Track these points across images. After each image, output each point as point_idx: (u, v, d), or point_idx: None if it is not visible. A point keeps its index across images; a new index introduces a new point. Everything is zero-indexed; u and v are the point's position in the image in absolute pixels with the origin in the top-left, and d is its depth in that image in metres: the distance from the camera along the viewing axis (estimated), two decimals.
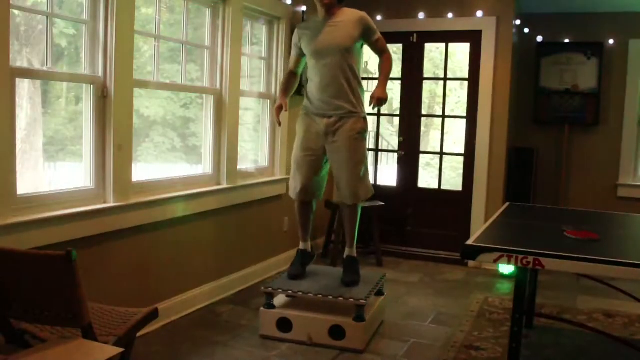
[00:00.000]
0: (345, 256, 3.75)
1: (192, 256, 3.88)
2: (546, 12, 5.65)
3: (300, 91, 4.15)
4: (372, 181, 6.01)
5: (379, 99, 3.50)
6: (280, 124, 3.72)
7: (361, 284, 3.61)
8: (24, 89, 3.16)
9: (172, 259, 3.69)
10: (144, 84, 3.58)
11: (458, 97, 8.24)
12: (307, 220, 3.77)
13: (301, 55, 3.72)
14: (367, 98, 3.63)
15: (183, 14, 3.87)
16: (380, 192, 5.81)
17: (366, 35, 3.58)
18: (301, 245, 3.81)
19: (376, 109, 3.84)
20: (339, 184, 3.63)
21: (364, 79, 3.96)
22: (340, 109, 3.55)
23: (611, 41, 5.55)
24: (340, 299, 3.39)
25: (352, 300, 3.36)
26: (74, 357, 1.94)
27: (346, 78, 3.54)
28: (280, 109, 3.60)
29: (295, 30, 3.75)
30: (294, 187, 3.70)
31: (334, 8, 3.60)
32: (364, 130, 3.64)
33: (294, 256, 3.90)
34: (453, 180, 7.78)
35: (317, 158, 3.62)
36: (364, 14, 3.62)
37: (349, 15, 3.59)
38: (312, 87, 3.62)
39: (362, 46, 3.66)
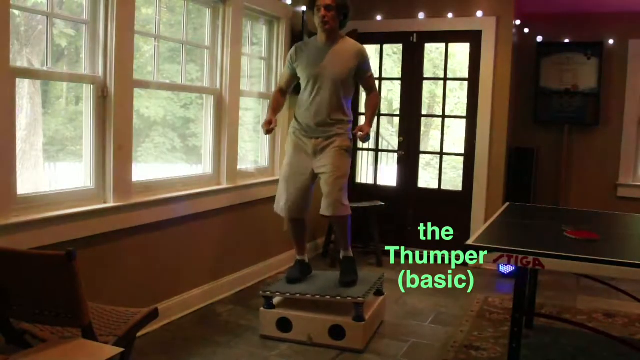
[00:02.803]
0: (341, 257, 3.75)
1: (192, 256, 3.88)
2: (546, 12, 5.64)
3: (299, 90, 4.16)
4: (372, 181, 6.06)
5: (366, 135, 3.53)
6: (267, 133, 3.62)
7: (359, 283, 3.61)
8: (24, 89, 3.17)
9: (172, 258, 3.69)
10: (144, 84, 3.58)
11: (458, 97, 8.24)
12: (300, 236, 3.78)
13: (293, 75, 3.70)
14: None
15: (183, 14, 3.87)
16: (380, 192, 5.82)
17: (361, 69, 3.60)
18: (298, 257, 3.82)
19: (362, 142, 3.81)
20: (324, 195, 3.59)
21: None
22: (327, 132, 3.57)
23: (611, 41, 5.55)
24: (338, 298, 3.39)
25: (349, 299, 3.36)
26: (74, 357, 1.94)
27: (338, 106, 3.55)
28: (269, 123, 3.55)
29: (293, 49, 3.70)
30: (278, 202, 3.70)
31: (335, 34, 3.58)
32: (349, 148, 3.64)
33: (293, 256, 3.90)
34: (453, 180, 7.78)
35: (304, 177, 3.61)
36: (362, 47, 3.63)
37: (348, 46, 3.59)
38: (303, 109, 3.61)
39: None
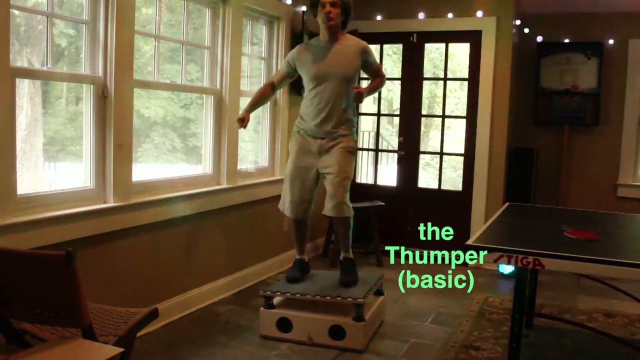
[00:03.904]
0: (341, 258, 3.75)
1: (192, 256, 3.88)
2: (546, 12, 5.65)
3: (300, 91, 4.15)
4: (372, 181, 6.06)
5: (359, 93, 3.49)
6: (242, 127, 3.59)
7: (359, 284, 3.61)
8: (24, 89, 3.17)
9: (172, 259, 3.69)
10: (144, 84, 3.58)
11: (458, 98, 8.25)
12: (300, 235, 3.79)
13: (289, 74, 3.70)
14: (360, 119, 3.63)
15: (183, 14, 3.87)
16: (380, 192, 5.82)
17: (367, 63, 3.65)
18: (297, 256, 3.82)
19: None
20: (327, 195, 3.60)
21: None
22: (333, 133, 3.57)
23: (611, 41, 5.55)
24: (338, 298, 3.39)
25: (350, 299, 3.36)
26: (74, 357, 1.94)
27: (342, 104, 3.55)
28: (242, 121, 3.54)
29: (296, 49, 3.70)
30: (283, 202, 3.70)
31: (338, 32, 3.59)
32: (354, 150, 3.65)
33: (293, 256, 3.90)
34: (453, 180, 7.79)
35: (309, 176, 3.62)
36: (365, 43, 3.64)
37: (351, 43, 3.60)
38: (307, 109, 3.60)
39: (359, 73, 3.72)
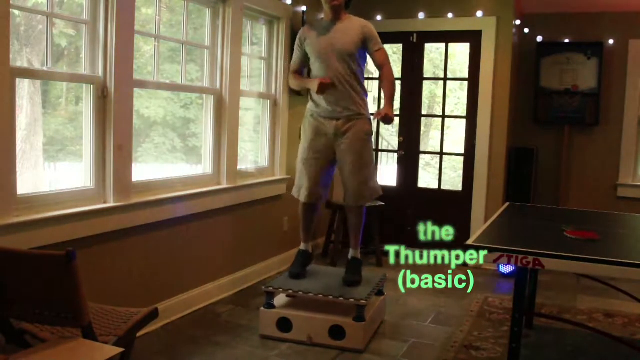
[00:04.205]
0: (349, 257, 3.75)
1: (192, 256, 3.88)
2: (546, 12, 5.65)
3: (300, 92, 4.16)
4: None
5: (386, 116, 3.48)
6: (328, 88, 3.50)
7: (362, 284, 3.61)
8: (24, 89, 3.17)
9: (172, 259, 3.69)
10: (144, 84, 3.58)
11: (458, 98, 8.25)
12: (310, 222, 3.78)
13: (304, 57, 3.72)
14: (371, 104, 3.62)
15: (183, 14, 3.87)
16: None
17: (367, 42, 3.60)
18: (302, 246, 3.82)
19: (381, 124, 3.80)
20: (345, 185, 3.64)
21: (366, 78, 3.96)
22: (347, 110, 3.57)
23: (611, 41, 5.55)
24: (341, 299, 3.39)
25: (352, 300, 3.36)
26: (74, 357, 1.94)
27: (349, 81, 3.56)
28: (325, 80, 3.48)
29: (301, 30, 3.76)
30: (299, 188, 3.70)
31: (341, 12, 3.61)
32: (370, 132, 3.66)
33: (293, 256, 3.90)
34: (453, 180, 7.79)
35: (325, 160, 3.64)
36: (367, 22, 3.65)
37: (354, 22, 3.62)
38: None
39: (365, 53, 3.67)
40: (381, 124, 6.03)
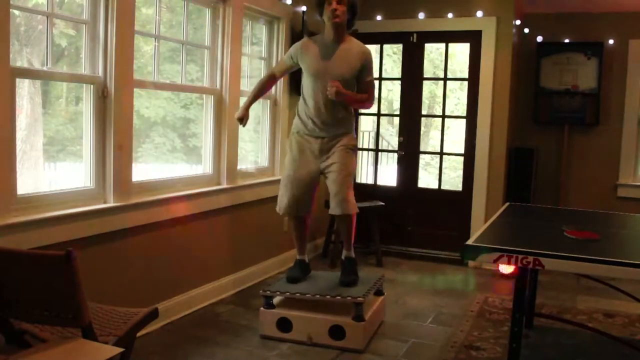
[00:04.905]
0: (343, 257, 3.75)
1: (192, 256, 3.88)
2: (546, 12, 5.65)
3: (300, 91, 4.15)
4: (372, 181, 6.06)
5: (338, 90, 3.40)
6: (242, 125, 3.67)
7: (359, 283, 3.61)
8: (24, 89, 3.17)
9: (172, 259, 3.69)
10: (144, 84, 3.58)
11: (457, 98, 8.25)
12: (301, 235, 3.77)
13: (290, 67, 3.68)
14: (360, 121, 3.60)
15: (183, 14, 3.87)
16: (380, 192, 5.82)
17: (363, 71, 3.56)
18: (298, 256, 3.82)
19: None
20: (331, 192, 3.58)
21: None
22: (332, 131, 3.57)
23: (611, 41, 5.55)
24: (338, 297, 3.39)
25: (349, 298, 3.36)
26: (74, 357, 1.94)
27: (337, 105, 3.54)
28: (241, 120, 3.60)
29: (300, 42, 3.67)
30: (281, 203, 3.67)
31: (343, 32, 3.56)
32: (355, 147, 3.64)
33: (293, 256, 3.90)
34: (453, 180, 7.79)
35: (310, 177, 3.60)
36: (368, 50, 3.61)
37: (354, 46, 3.57)
38: (307, 107, 3.59)
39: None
40: (381, 125, 6.03)
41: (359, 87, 3.61)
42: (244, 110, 3.65)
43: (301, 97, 3.66)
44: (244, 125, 3.63)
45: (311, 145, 3.60)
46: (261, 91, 3.76)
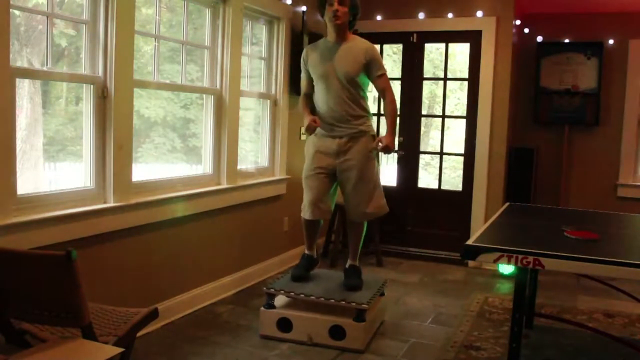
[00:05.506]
0: (347, 265, 3.74)
1: (192, 256, 3.88)
2: (546, 12, 5.65)
3: (300, 91, 4.15)
4: None
5: (387, 147, 3.48)
6: (311, 133, 3.61)
7: (364, 287, 3.60)
8: (24, 89, 3.17)
9: (172, 259, 3.69)
10: (144, 84, 3.58)
11: (458, 98, 8.24)
12: (314, 234, 3.77)
13: (310, 78, 3.68)
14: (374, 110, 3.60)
15: (183, 14, 3.88)
16: None
17: (370, 67, 3.52)
18: (307, 251, 3.81)
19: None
20: (347, 202, 3.62)
21: None
22: (350, 128, 3.55)
23: (611, 41, 5.55)
24: (343, 302, 3.38)
25: (354, 304, 3.36)
26: (74, 357, 1.94)
27: (353, 100, 3.53)
28: (315, 122, 3.52)
29: (304, 51, 3.71)
30: (304, 207, 3.66)
31: (345, 32, 3.56)
32: (374, 150, 3.60)
33: (293, 256, 3.90)
34: (453, 180, 7.78)
35: (329, 177, 3.61)
36: (372, 45, 3.59)
37: (357, 43, 3.57)
38: (320, 108, 3.60)
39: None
40: (381, 124, 6.03)
41: (375, 86, 3.62)
42: (310, 116, 3.58)
43: (314, 99, 3.67)
44: (317, 125, 3.54)
45: (329, 146, 3.58)
46: (310, 108, 3.70)
